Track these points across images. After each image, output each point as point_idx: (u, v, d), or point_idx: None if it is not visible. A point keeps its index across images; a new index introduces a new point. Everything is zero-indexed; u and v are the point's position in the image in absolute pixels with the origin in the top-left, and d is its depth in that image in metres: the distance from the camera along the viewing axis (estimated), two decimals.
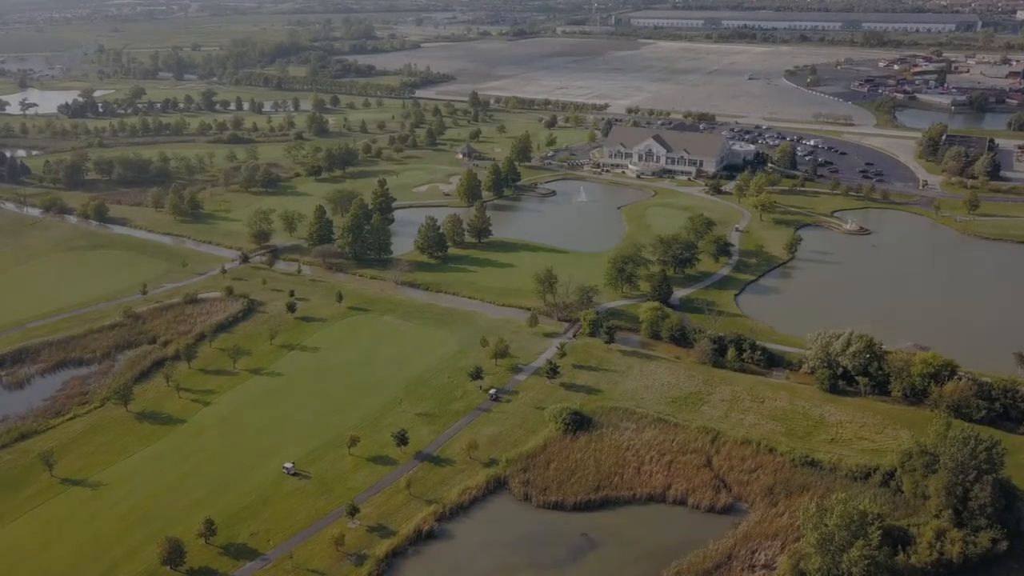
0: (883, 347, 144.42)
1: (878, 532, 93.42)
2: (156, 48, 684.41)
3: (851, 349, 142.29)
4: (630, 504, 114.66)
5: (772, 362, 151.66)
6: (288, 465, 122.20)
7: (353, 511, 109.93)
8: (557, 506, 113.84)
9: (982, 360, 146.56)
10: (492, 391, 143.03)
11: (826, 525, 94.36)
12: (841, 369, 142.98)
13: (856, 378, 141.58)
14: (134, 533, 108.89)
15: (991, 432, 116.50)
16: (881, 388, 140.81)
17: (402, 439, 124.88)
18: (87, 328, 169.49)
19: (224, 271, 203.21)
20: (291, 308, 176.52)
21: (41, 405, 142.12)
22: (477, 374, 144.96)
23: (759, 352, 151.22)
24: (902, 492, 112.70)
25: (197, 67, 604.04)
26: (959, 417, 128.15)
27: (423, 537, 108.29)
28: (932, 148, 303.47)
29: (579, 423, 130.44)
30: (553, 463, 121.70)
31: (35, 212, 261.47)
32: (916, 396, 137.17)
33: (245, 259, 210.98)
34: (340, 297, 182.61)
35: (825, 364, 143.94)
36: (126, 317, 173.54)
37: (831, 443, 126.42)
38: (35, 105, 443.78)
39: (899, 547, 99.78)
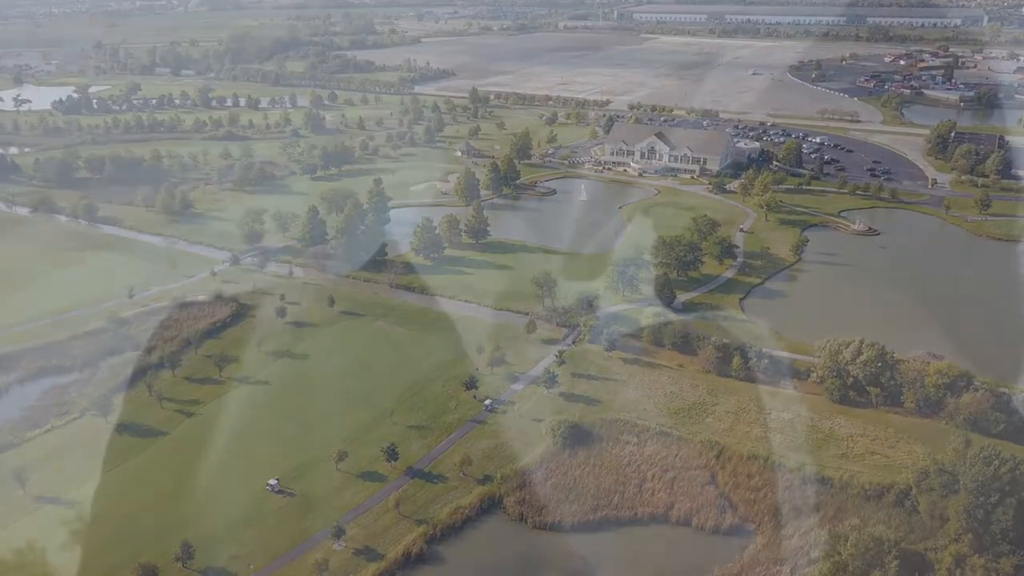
0: (895, 356, 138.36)
1: (895, 561, 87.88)
2: (154, 43, 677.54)
3: (861, 358, 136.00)
4: (631, 525, 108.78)
5: (779, 371, 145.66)
6: (272, 482, 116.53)
7: (339, 533, 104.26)
8: (554, 527, 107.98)
9: (999, 370, 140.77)
10: (487, 401, 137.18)
11: (839, 554, 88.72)
12: (851, 379, 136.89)
13: (867, 388, 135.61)
14: (108, 557, 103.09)
15: (1013, 449, 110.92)
16: (893, 399, 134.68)
17: (392, 454, 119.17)
18: (69, 334, 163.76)
19: (214, 273, 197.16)
20: (281, 313, 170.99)
21: (18, 416, 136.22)
22: (472, 383, 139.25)
23: (765, 360, 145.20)
24: (918, 513, 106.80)
25: (195, 63, 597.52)
26: (976, 431, 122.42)
27: (412, 561, 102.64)
28: (941, 145, 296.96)
29: (578, 437, 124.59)
30: (550, 480, 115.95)
31: (23, 211, 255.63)
32: (930, 408, 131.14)
33: (236, 261, 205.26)
34: (332, 301, 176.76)
35: (834, 373, 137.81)
36: (110, 322, 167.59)
37: (842, 458, 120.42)
38: (28, 101, 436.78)
39: (916, 574, 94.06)
